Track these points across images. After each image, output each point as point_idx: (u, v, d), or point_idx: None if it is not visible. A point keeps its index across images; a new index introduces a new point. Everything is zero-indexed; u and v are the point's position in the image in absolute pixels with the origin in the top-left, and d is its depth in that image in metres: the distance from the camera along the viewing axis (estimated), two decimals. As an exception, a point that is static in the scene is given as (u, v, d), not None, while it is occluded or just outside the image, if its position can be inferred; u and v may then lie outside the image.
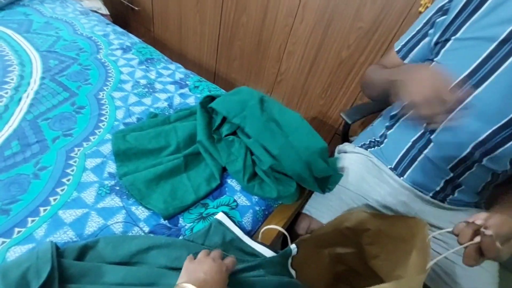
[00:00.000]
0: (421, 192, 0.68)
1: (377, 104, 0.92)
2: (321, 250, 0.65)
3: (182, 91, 0.79)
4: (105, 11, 1.69)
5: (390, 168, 0.72)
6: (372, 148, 0.77)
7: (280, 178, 0.60)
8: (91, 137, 0.60)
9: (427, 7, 0.87)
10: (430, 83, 0.47)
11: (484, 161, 0.58)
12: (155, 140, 0.59)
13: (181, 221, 0.50)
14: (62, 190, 0.50)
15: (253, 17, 1.33)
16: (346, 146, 0.83)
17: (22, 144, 0.56)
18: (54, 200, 0.49)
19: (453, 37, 0.57)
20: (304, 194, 0.68)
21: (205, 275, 0.34)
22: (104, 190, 0.52)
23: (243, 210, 0.55)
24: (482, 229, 0.41)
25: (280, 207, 0.63)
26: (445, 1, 0.59)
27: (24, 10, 1.02)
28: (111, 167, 0.56)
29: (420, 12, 0.90)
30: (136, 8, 1.82)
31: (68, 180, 0.52)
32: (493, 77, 0.53)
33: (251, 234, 0.56)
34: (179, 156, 0.57)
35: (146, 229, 0.48)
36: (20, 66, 0.75)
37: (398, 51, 0.68)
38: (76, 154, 0.56)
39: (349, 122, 0.88)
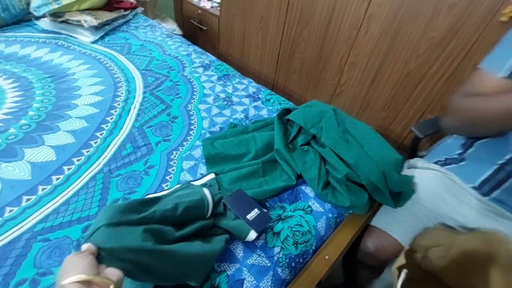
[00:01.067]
0: (508, 211, 0.64)
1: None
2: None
3: (255, 103, 0.88)
4: (179, 31, 1.92)
5: (473, 187, 0.68)
6: (449, 166, 0.74)
7: (352, 188, 0.62)
8: (184, 143, 0.71)
9: (510, 17, 0.81)
10: None
11: None
12: (237, 147, 0.67)
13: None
14: (166, 186, 0.61)
15: (315, 31, 1.38)
16: (418, 161, 0.81)
17: (134, 146, 0.69)
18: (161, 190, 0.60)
19: None
20: (373, 207, 0.69)
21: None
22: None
23: (317, 216, 0.59)
24: None
25: (350, 217, 0.65)
26: None
27: (124, 35, 1.24)
28: (202, 168, 0.65)
29: (502, 22, 0.83)
30: (204, 28, 2.02)
31: (170, 178, 0.62)
32: None
33: (324, 239, 0.59)
34: (257, 162, 0.64)
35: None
36: (126, 83, 0.91)
37: (494, 70, 0.59)
38: (175, 156, 0.67)
39: (421, 136, 0.86)
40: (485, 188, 0.66)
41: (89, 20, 1.15)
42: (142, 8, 1.64)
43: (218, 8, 1.85)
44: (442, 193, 0.70)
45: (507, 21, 0.63)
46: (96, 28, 1.18)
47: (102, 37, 1.18)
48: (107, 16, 1.24)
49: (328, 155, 0.62)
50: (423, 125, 0.87)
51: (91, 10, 1.25)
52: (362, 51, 1.25)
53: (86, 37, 1.16)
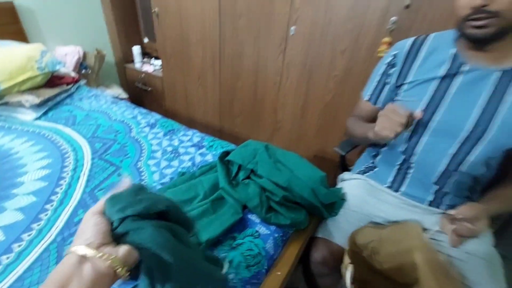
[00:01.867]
0: (417, 202, 0.80)
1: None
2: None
3: (200, 151, 0.98)
4: (124, 95, 2.01)
5: (387, 187, 0.85)
6: (367, 173, 0.91)
7: (291, 207, 0.73)
8: (137, 198, 0.77)
9: (384, 52, 1.08)
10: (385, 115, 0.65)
11: (460, 170, 0.72)
12: (187, 193, 0.75)
13: (215, 253, 0.63)
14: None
15: (247, 81, 1.60)
16: (345, 174, 0.98)
17: (85, 211, 0.72)
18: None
19: (405, 82, 0.76)
20: (313, 222, 0.80)
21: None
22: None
23: (265, 238, 0.68)
24: (454, 217, 0.54)
25: (295, 233, 0.75)
26: (390, 58, 0.79)
27: (68, 108, 1.29)
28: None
29: (380, 56, 1.11)
30: (149, 89, 2.16)
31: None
32: (444, 104, 0.70)
33: (274, 257, 0.67)
34: (207, 201, 0.72)
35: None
36: (73, 152, 0.95)
37: (368, 99, 0.85)
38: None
39: (343, 153, 1.04)
40: (395, 186, 0.84)
41: (31, 99, 1.19)
42: (85, 80, 1.72)
43: (161, 70, 2.02)
44: (365, 197, 0.85)
45: (382, 56, 0.87)
46: (38, 105, 1.22)
47: (45, 113, 1.22)
48: (49, 93, 1.29)
49: (265, 184, 0.74)
50: (343, 145, 1.06)
51: (32, 89, 1.29)
52: (288, 93, 1.49)
53: (28, 115, 1.18)
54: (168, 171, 0.88)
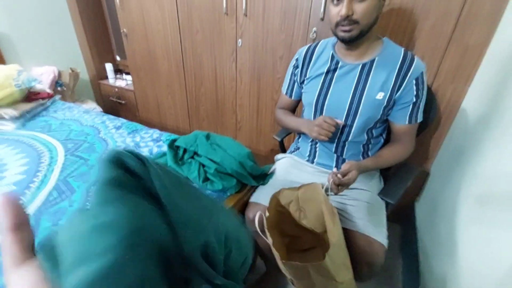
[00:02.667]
0: (327, 168, 1.02)
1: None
2: (273, 231, 0.91)
3: (158, 143, 1.18)
4: (99, 109, 2.19)
5: (306, 160, 1.07)
6: (294, 152, 1.13)
7: (223, 177, 0.93)
8: (101, 180, 0.94)
9: None
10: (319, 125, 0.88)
11: (349, 140, 0.95)
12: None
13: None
14: (87, 210, 0.82)
15: (209, 87, 1.82)
16: (279, 155, 1.19)
17: (59, 192, 0.90)
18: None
19: (305, 78, 0.99)
20: (246, 190, 1.00)
21: None
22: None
23: (201, 200, 0.87)
24: (332, 172, 0.76)
25: (230, 197, 0.95)
26: (295, 61, 1.02)
27: (44, 119, 1.46)
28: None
29: None
30: (123, 102, 2.34)
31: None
32: (330, 91, 0.93)
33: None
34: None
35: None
36: (49, 152, 1.12)
37: (286, 93, 1.09)
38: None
39: (278, 139, 1.26)
40: (310, 159, 1.06)
41: (10, 112, 1.36)
42: (60, 95, 1.89)
43: (132, 84, 2.21)
44: (289, 169, 1.07)
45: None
46: (17, 117, 1.39)
47: (23, 124, 1.38)
48: (26, 106, 1.46)
49: (203, 161, 0.94)
50: (279, 132, 1.28)
51: (11, 104, 1.46)
52: (243, 95, 1.72)
53: (8, 126, 1.34)
54: (129, 160, 1.07)
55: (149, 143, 1.19)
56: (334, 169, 0.84)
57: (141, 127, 1.34)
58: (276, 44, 1.45)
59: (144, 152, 1.13)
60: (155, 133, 1.28)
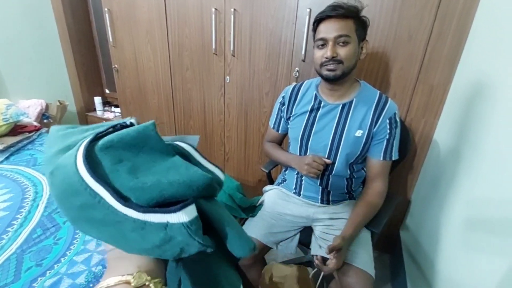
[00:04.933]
0: (313, 201, 1.06)
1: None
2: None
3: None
4: (86, 140, 2.17)
5: (293, 193, 1.10)
6: (281, 184, 1.17)
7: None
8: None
9: None
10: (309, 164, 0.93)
11: (333, 174, 1.00)
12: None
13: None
14: (69, 252, 0.80)
15: (197, 120, 1.88)
16: (267, 187, 1.23)
17: (43, 229, 0.87)
18: (69, 252, 0.79)
19: (291, 115, 1.06)
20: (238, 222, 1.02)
21: None
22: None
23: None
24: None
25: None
26: (281, 99, 1.10)
27: (29, 152, 1.44)
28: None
29: None
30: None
31: (76, 241, 0.82)
32: (314, 129, 1.00)
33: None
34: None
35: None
36: (34, 187, 1.10)
37: (273, 128, 1.16)
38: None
39: (266, 171, 1.30)
40: (297, 191, 1.09)
41: (-7, 146, 1.34)
42: (47, 128, 1.88)
43: (120, 116, 2.24)
44: (277, 200, 1.10)
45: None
46: (1, 151, 1.36)
47: (7, 158, 1.36)
48: (11, 140, 1.45)
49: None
50: (266, 164, 1.33)
51: (-5, 138, 1.44)
52: (231, 127, 1.78)
53: (-9, 161, 1.31)
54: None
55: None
56: (319, 257, 0.85)
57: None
58: (262, 82, 1.55)
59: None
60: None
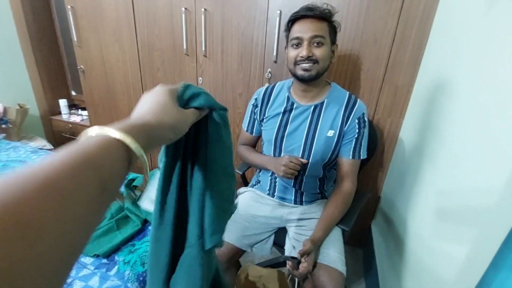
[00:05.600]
0: (286, 202, 1.06)
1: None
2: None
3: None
4: (49, 146, 2.04)
5: (267, 194, 1.10)
6: (255, 186, 1.17)
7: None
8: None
9: None
10: (285, 164, 0.91)
11: (307, 174, 1.01)
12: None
13: (116, 257, 0.77)
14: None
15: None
16: (241, 189, 1.22)
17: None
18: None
19: (264, 117, 1.06)
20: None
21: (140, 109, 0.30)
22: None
23: (160, 242, 0.85)
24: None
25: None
26: (254, 101, 1.09)
27: (-16, 161, 1.32)
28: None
29: None
30: (77, 138, 2.21)
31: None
32: (287, 130, 1.00)
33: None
34: (112, 220, 0.87)
35: (92, 267, 0.73)
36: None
37: (247, 130, 1.14)
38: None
39: (240, 173, 1.29)
40: (271, 192, 1.10)
41: None
42: (4, 134, 1.74)
43: (88, 120, 2.13)
44: (250, 202, 1.09)
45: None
46: None
47: (-45, 168, 1.24)
48: (-40, 148, 1.32)
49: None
50: (240, 166, 1.32)
51: None
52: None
53: None
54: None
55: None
56: (290, 263, 0.85)
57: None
58: (235, 82, 1.54)
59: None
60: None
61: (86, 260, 0.76)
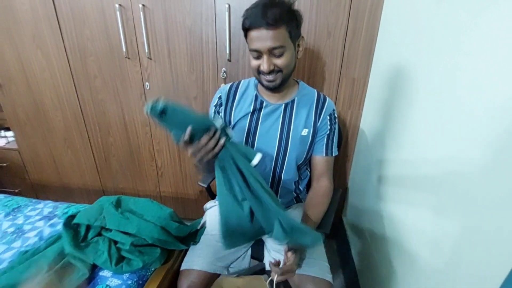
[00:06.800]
0: None
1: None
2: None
3: (51, 222, 0.93)
4: (-35, 179, 1.67)
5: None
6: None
7: (144, 250, 0.79)
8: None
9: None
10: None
11: (282, 178, 0.94)
12: (26, 271, 0.71)
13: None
14: None
15: (118, 135, 1.62)
16: (208, 203, 1.11)
17: None
18: None
19: (231, 119, 0.95)
20: (174, 256, 0.88)
21: None
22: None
23: (117, 288, 0.71)
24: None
25: (155, 272, 0.80)
26: (217, 100, 0.97)
27: None
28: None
29: None
30: (3, 165, 1.86)
31: None
32: (258, 131, 0.91)
33: (130, 303, 0.71)
34: (50, 273, 0.70)
35: None
36: None
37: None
38: None
39: (205, 186, 1.18)
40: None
41: None
42: None
43: (15, 142, 1.79)
44: (220, 219, 0.99)
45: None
46: None
47: None
48: None
49: (115, 236, 0.78)
50: (205, 178, 1.20)
51: None
52: (160, 139, 1.58)
53: None
54: (7, 254, 0.80)
55: (38, 223, 0.93)
56: (273, 260, 0.79)
57: (26, 201, 1.05)
58: (188, 85, 1.41)
59: (31, 238, 0.87)
60: (47, 207, 1.02)
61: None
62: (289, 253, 0.78)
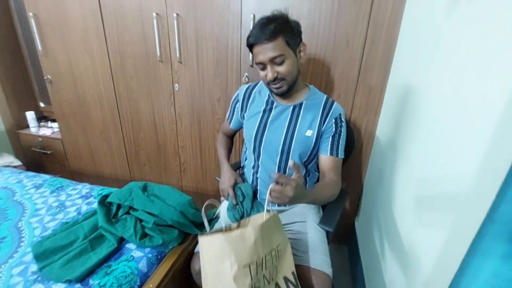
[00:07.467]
0: (270, 205, 1.05)
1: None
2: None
3: (87, 200, 1.07)
4: (17, 162, 1.92)
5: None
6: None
7: (164, 230, 0.89)
8: (14, 255, 0.81)
9: None
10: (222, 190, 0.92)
11: (287, 172, 1.00)
12: (66, 238, 0.83)
13: (91, 281, 0.72)
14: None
15: (148, 131, 1.77)
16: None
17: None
18: None
19: (245, 114, 1.06)
20: (190, 239, 0.97)
21: None
22: (29, 283, 0.72)
23: (138, 260, 0.81)
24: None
25: (172, 250, 0.90)
26: (234, 97, 1.11)
27: None
28: (33, 267, 0.76)
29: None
30: (48, 152, 2.10)
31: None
32: (267, 129, 1.00)
33: (148, 274, 0.80)
34: (85, 241, 0.82)
35: (65, 295, 0.69)
36: None
37: (228, 120, 1.17)
38: (3, 269, 0.76)
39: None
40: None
41: None
42: (-37, 153, 1.61)
43: (59, 132, 2.02)
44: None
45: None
46: None
47: None
48: None
49: (140, 215, 0.89)
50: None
51: None
52: (185, 137, 1.71)
53: None
54: (51, 224, 0.94)
55: (77, 201, 1.08)
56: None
57: (68, 182, 1.21)
58: (213, 88, 1.52)
59: (72, 212, 1.01)
60: (85, 188, 1.17)
61: (56, 287, 0.71)
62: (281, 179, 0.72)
